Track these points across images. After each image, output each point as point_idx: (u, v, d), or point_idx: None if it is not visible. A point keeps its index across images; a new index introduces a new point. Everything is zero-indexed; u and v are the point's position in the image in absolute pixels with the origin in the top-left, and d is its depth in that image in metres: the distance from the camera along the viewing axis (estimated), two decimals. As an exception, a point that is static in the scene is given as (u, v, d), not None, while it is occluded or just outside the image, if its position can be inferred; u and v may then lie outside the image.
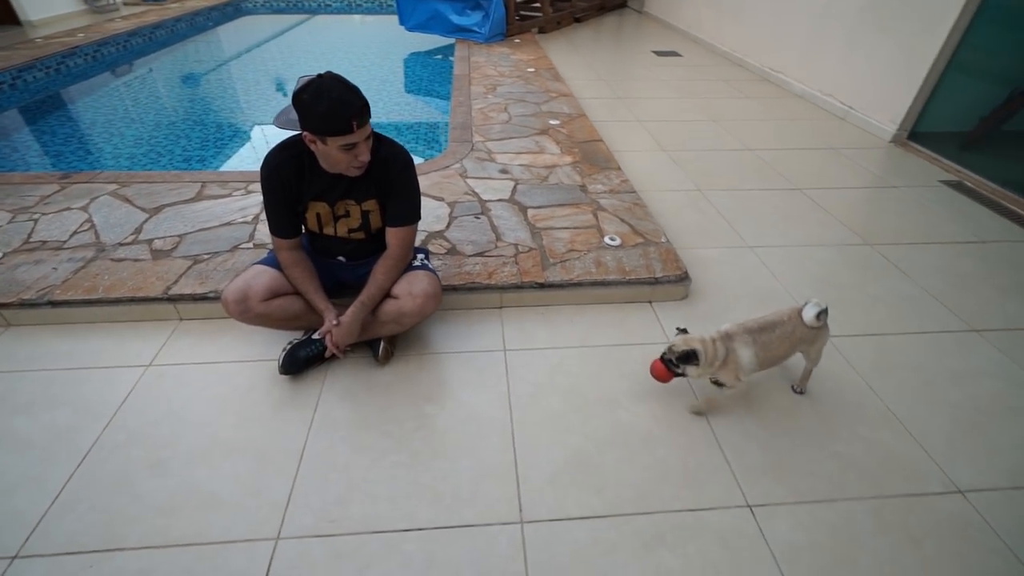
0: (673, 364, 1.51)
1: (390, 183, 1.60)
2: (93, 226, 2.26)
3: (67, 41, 5.52)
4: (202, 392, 1.67)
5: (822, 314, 1.51)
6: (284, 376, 1.71)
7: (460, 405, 1.65)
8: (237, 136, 4.27)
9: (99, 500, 1.36)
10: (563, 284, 2.02)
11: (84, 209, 2.38)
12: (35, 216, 2.32)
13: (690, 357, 1.48)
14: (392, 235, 1.66)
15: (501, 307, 2.05)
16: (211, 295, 1.90)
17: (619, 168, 2.98)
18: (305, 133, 1.41)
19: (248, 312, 1.61)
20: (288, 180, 1.54)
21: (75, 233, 2.21)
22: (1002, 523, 1.36)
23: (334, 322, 1.61)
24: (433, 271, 1.77)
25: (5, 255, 2.07)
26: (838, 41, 4.16)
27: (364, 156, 1.46)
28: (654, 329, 1.98)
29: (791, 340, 1.55)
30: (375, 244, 1.74)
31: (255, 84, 5.55)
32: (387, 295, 1.69)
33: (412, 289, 1.65)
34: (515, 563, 1.25)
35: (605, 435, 1.57)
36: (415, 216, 1.68)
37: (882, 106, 3.79)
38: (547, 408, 1.65)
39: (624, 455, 1.51)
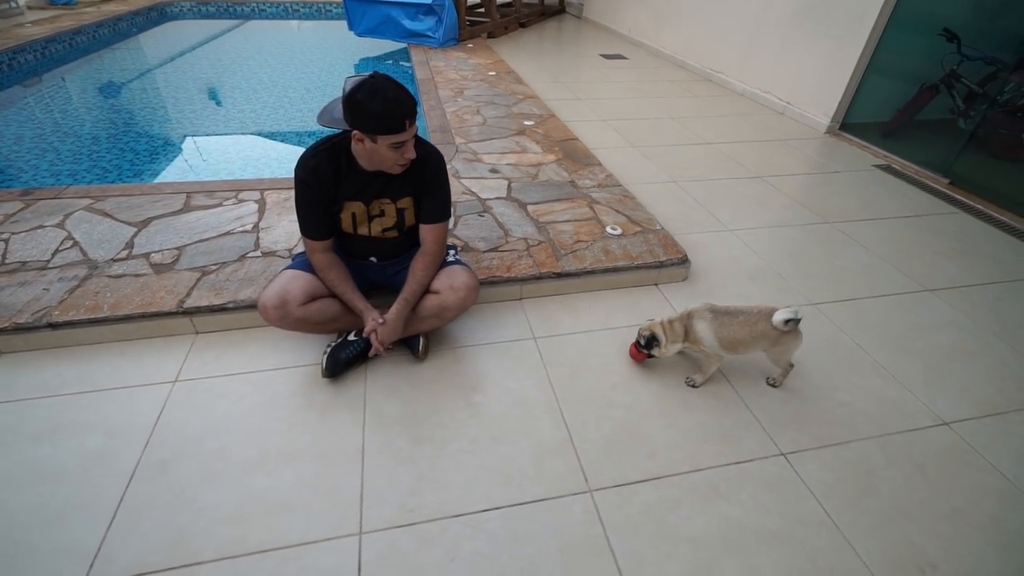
0: (642, 346, 1.73)
1: (426, 181, 1.64)
2: (76, 243, 2.11)
3: (-26, 48, 4.98)
4: (241, 403, 1.63)
5: (791, 322, 1.58)
6: (325, 379, 1.70)
7: (506, 392, 1.72)
8: (188, 147, 4.06)
9: (161, 518, 1.31)
10: (579, 272, 2.14)
11: (60, 226, 2.21)
12: (3, 236, 2.13)
13: (651, 341, 1.70)
14: (428, 232, 1.70)
15: (521, 298, 2.13)
16: (230, 305, 1.85)
17: (600, 164, 3.15)
18: (355, 132, 1.43)
19: (287, 317, 1.60)
20: (325, 180, 1.55)
21: (58, 251, 2.06)
22: (984, 446, 1.62)
23: (380, 321, 1.62)
24: (467, 265, 1.82)
25: (-19, 279, 1.90)
26: (773, 44, 4.59)
27: (410, 154, 1.50)
28: (665, 308, 2.14)
29: (752, 331, 1.62)
30: (407, 243, 1.77)
31: (199, 93, 5.26)
32: (426, 291, 1.72)
33: (453, 283, 1.70)
34: (593, 527, 1.34)
35: (645, 406, 1.69)
36: (448, 213, 1.73)
37: (816, 101, 4.22)
38: (587, 386, 1.75)
39: (667, 422, 1.64)
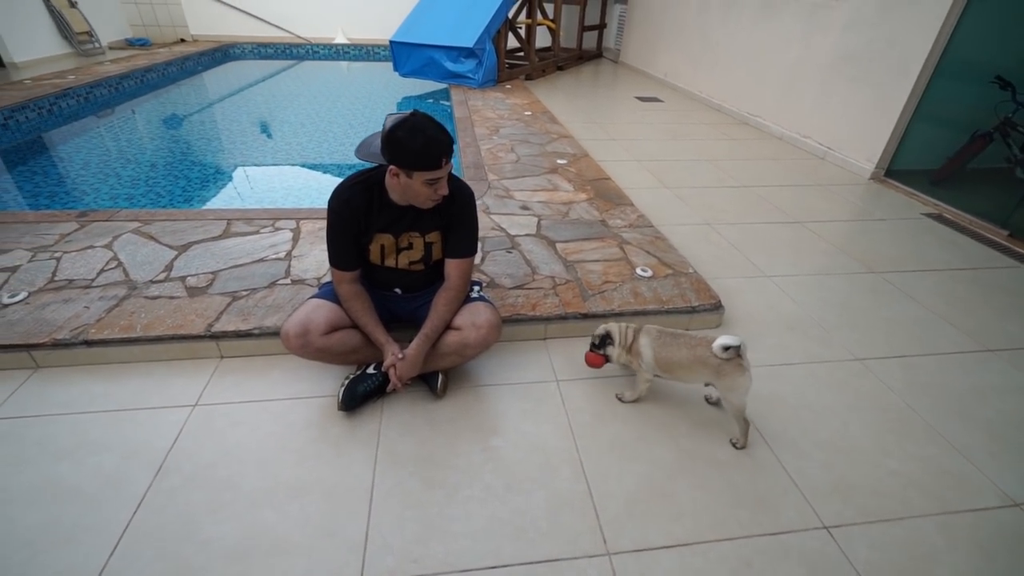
0: (596, 346, 1.74)
1: (453, 215, 1.65)
2: (120, 264, 2.20)
3: (58, 83, 5.45)
4: (256, 431, 1.62)
5: (731, 349, 1.51)
6: (341, 412, 1.67)
7: (524, 436, 1.65)
8: (236, 176, 4.27)
9: (164, 548, 1.28)
10: (606, 314, 2.07)
11: (108, 247, 2.32)
12: (56, 255, 2.25)
13: (605, 338, 1.72)
14: (452, 267, 1.69)
15: (545, 338, 2.08)
16: (255, 332, 1.87)
17: (632, 204, 3.11)
18: (391, 167, 1.46)
19: (308, 346, 1.60)
20: (357, 212, 1.57)
21: (102, 271, 2.15)
22: (1059, 531, 1.43)
23: (399, 356, 1.60)
24: (491, 302, 1.79)
25: (31, 295, 1.99)
26: (812, 89, 4.53)
27: (444, 190, 1.51)
28: (696, 356, 2.03)
29: (691, 354, 1.60)
30: (432, 276, 1.77)
31: (252, 126, 5.58)
32: (448, 327, 1.69)
33: (476, 320, 1.67)
34: (610, 594, 1.24)
35: (671, 461, 1.59)
36: (474, 248, 1.72)
37: (859, 147, 4.11)
38: (610, 436, 1.66)
39: (695, 481, 1.52)
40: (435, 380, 1.77)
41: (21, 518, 1.33)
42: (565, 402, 1.79)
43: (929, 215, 3.43)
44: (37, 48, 6.86)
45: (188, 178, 4.16)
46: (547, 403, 1.78)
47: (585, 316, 2.06)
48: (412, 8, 6.62)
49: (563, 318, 2.05)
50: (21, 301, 1.94)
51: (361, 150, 1.49)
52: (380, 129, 1.48)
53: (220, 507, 1.38)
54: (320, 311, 1.64)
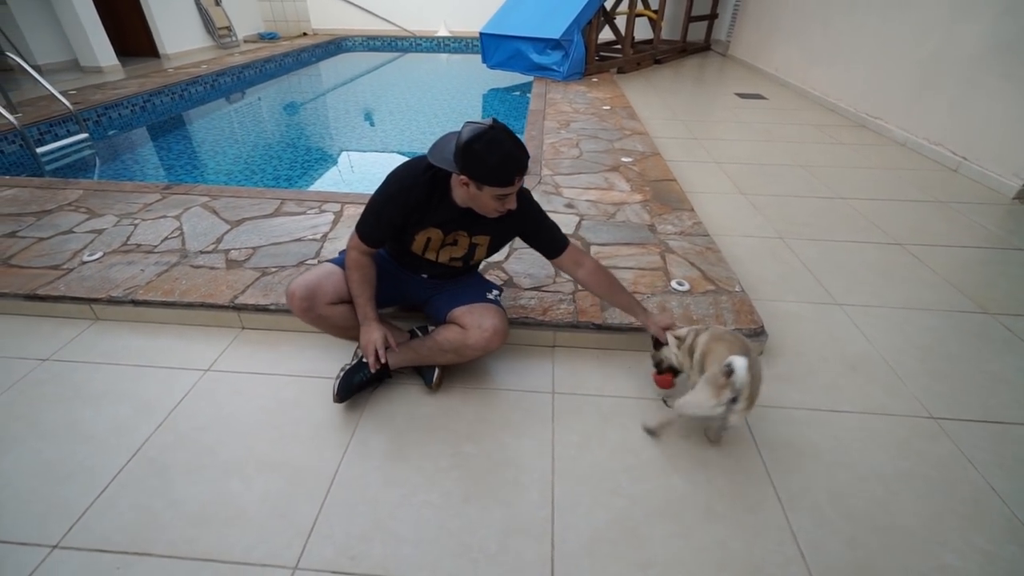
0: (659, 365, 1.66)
1: (517, 222, 1.61)
2: (182, 233, 2.44)
3: (192, 71, 6.24)
4: (250, 403, 1.69)
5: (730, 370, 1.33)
6: (335, 403, 1.67)
7: (500, 447, 1.55)
8: (323, 160, 4.57)
9: (139, 500, 1.38)
10: (622, 327, 1.89)
11: (177, 218, 2.58)
12: (136, 221, 2.55)
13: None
14: (568, 260, 1.66)
15: (554, 346, 1.95)
16: (272, 307, 1.96)
17: (692, 209, 2.83)
18: (462, 176, 1.39)
19: (311, 311, 1.60)
20: (415, 205, 1.52)
21: (166, 239, 2.39)
22: None
23: (383, 341, 1.59)
24: (503, 308, 1.71)
25: (105, 255, 2.27)
26: (950, 87, 3.80)
27: (512, 204, 1.46)
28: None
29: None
30: (464, 271, 1.76)
31: (346, 113, 5.97)
32: (454, 323, 1.65)
33: (482, 323, 1.60)
34: (541, 640, 1.11)
35: (657, 503, 1.40)
36: (565, 238, 1.67)
37: (1004, 158, 3.37)
38: (593, 462, 1.51)
39: (677, 530, 1.33)
40: (431, 374, 1.74)
41: (42, 451, 1.51)
42: (555, 418, 1.66)
43: (1089, 248, 2.72)
44: (185, 41, 7.91)
45: (280, 159, 4.54)
46: (535, 416, 1.66)
47: (599, 327, 1.90)
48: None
49: (575, 327, 1.91)
50: (96, 260, 2.23)
51: (435, 155, 1.45)
52: (455, 131, 1.42)
53: (196, 469, 1.46)
54: (331, 279, 1.63)
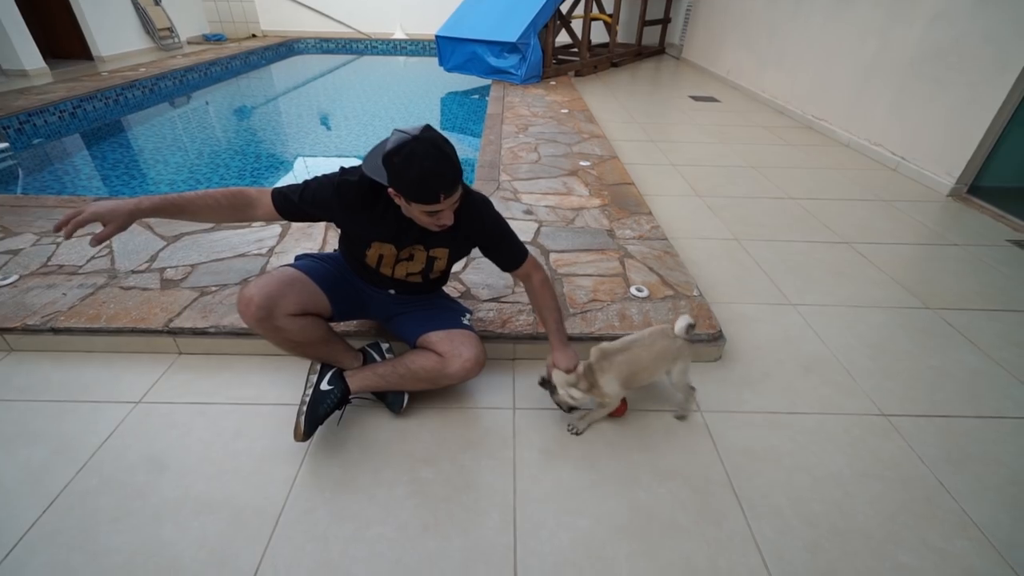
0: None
1: (487, 234, 1.55)
2: (111, 252, 2.25)
3: (128, 75, 5.88)
4: (186, 436, 1.56)
5: (692, 327, 1.53)
6: (279, 426, 1.56)
7: (459, 471, 1.48)
8: (275, 167, 4.38)
9: (56, 555, 1.24)
10: (582, 337, 1.86)
11: (106, 234, 2.38)
12: (58, 240, 2.34)
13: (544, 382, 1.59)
14: (523, 271, 1.61)
15: (514, 359, 1.90)
16: (211, 330, 1.82)
17: (650, 213, 2.83)
18: (390, 189, 1.31)
19: (267, 321, 1.42)
20: (363, 218, 1.45)
21: (92, 258, 2.20)
22: None
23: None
24: (477, 335, 1.63)
25: (21, 277, 2.07)
26: (888, 91, 3.98)
27: (446, 221, 1.36)
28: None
29: (653, 354, 1.54)
30: (429, 286, 1.67)
31: (298, 118, 5.75)
32: (427, 349, 1.57)
33: (462, 351, 1.52)
34: None
35: (620, 520, 1.36)
36: (524, 249, 1.61)
37: (938, 158, 3.54)
38: (556, 481, 1.46)
39: (641, 548, 1.29)
40: (398, 400, 1.63)
41: (-60, 505, 1.35)
42: (516, 435, 1.60)
43: (1017, 242, 2.88)
44: (122, 43, 7.45)
45: (228, 167, 4.31)
46: (496, 434, 1.60)
47: (559, 338, 1.85)
48: (462, 2, 6.56)
49: (534, 338, 1.86)
50: (10, 284, 2.02)
51: (367, 164, 1.34)
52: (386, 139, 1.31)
53: (124, 516, 1.33)
54: (295, 288, 1.47)
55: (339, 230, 1.60)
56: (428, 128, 1.24)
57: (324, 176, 1.48)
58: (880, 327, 2.15)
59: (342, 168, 1.49)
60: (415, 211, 1.32)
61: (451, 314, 1.67)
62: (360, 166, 1.42)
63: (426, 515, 1.36)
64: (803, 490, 1.45)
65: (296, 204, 1.47)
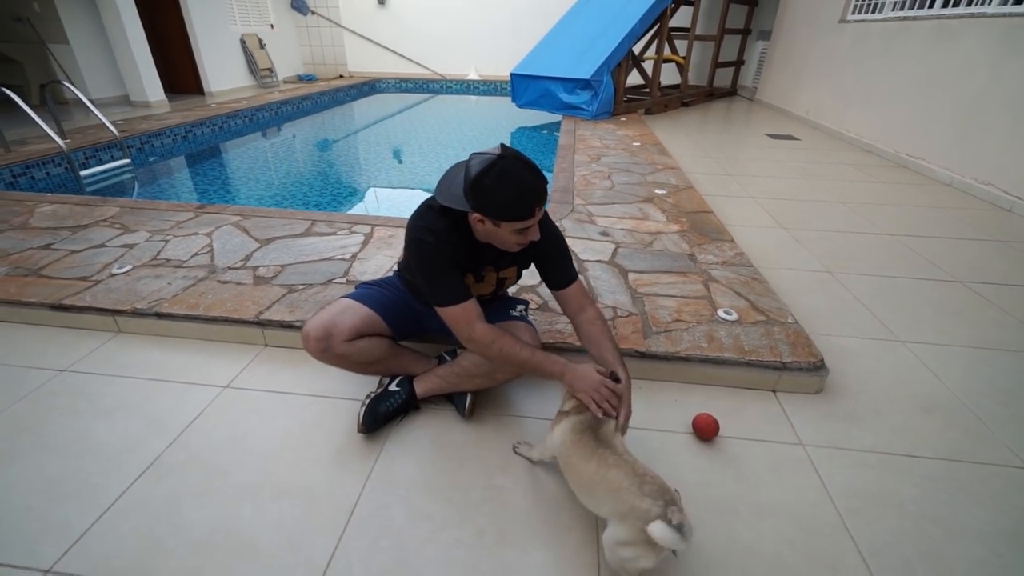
0: None
1: (540, 248, 1.44)
2: (212, 250, 2.41)
3: (233, 106, 6.52)
4: (267, 423, 1.58)
5: (681, 529, 0.98)
6: (360, 434, 1.54)
7: (537, 482, 1.40)
8: (354, 189, 4.63)
9: (143, 523, 1.26)
10: (667, 356, 1.75)
11: (208, 235, 2.57)
12: (167, 238, 2.54)
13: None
14: (571, 296, 1.48)
15: (593, 374, 1.81)
16: (297, 323, 1.88)
17: (732, 240, 2.71)
18: (475, 214, 1.26)
19: (328, 351, 1.46)
20: (453, 244, 1.35)
21: (195, 255, 2.36)
22: None
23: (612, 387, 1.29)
24: (533, 325, 1.59)
25: (133, 268, 2.24)
26: (1001, 125, 3.67)
27: (535, 236, 1.31)
28: (780, 424, 1.61)
29: (597, 474, 1.13)
30: (487, 311, 1.58)
31: (376, 146, 6.11)
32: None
33: None
34: None
35: (719, 552, 1.22)
36: (575, 271, 1.51)
37: (1063, 197, 3.19)
38: (642, 504, 1.34)
39: (744, 586, 1.14)
40: (463, 401, 1.61)
41: (46, 466, 1.42)
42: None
43: None
44: (229, 81, 8.33)
45: (311, 186, 4.62)
46: (575, 449, 1.51)
47: (643, 355, 1.76)
48: (537, 43, 6.84)
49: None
50: (124, 273, 2.20)
51: (442, 193, 1.29)
52: (463, 161, 1.28)
53: (206, 492, 1.34)
54: (347, 314, 1.50)
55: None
56: (504, 146, 1.21)
57: (426, 256, 1.33)
58: (1012, 372, 1.88)
59: (416, 229, 1.36)
60: (504, 232, 1.26)
61: (500, 308, 1.62)
62: (425, 210, 1.38)
63: (504, 524, 1.28)
64: (936, 543, 1.25)
65: (459, 282, 1.36)
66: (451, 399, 1.65)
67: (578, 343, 1.78)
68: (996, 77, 3.75)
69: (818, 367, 1.73)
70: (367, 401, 1.55)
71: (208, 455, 1.46)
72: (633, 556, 1.03)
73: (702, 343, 1.80)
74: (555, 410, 1.60)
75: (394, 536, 1.24)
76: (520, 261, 1.53)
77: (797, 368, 1.71)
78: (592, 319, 1.47)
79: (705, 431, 1.52)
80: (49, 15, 6.49)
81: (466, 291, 1.35)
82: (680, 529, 0.97)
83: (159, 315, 1.94)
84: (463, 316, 1.33)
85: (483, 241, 1.38)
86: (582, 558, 1.20)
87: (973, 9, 4.08)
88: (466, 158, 1.27)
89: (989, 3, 3.94)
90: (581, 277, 1.53)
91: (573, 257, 2.35)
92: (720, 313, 1.98)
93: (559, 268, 1.49)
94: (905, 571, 1.18)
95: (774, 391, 1.75)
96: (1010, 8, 3.75)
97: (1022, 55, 3.56)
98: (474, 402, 1.61)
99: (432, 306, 1.39)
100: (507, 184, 1.19)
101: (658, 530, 0.97)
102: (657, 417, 1.63)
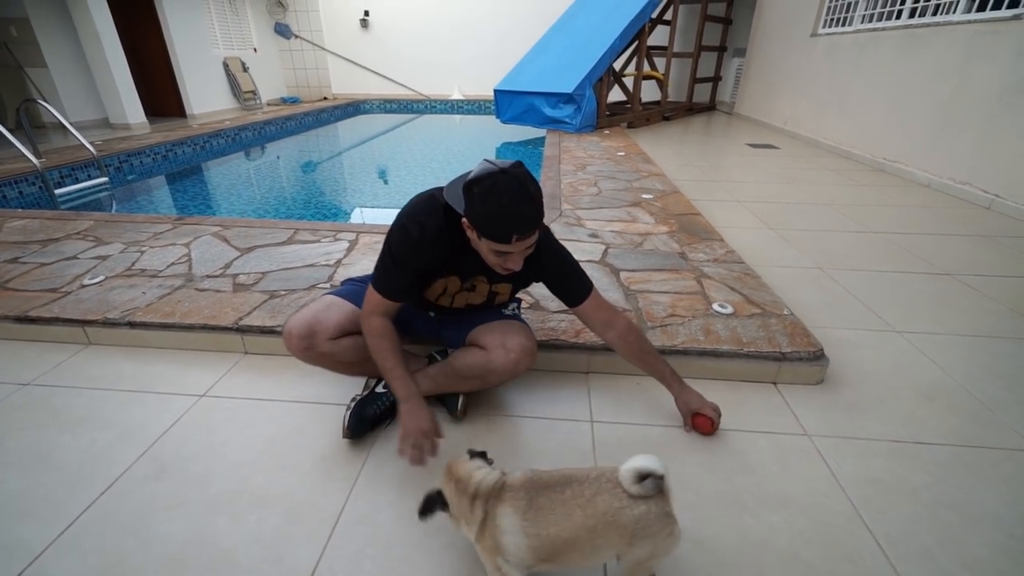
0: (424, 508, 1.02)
1: (543, 268, 1.37)
2: (189, 259, 2.33)
3: (215, 126, 6.47)
4: (246, 430, 1.49)
5: (650, 480, 0.88)
6: (345, 439, 1.45)
7: (535, 482, 1.32)
8: (335, 205, 4.58)
9: (108, 539, 1.15)
10: (664, 351, 1.69)
11: (186, 245, 2.48)
12: (143, 249, 2.45)
13: (432, 502, 1.01)
14: (592, 310, 1.42)
15: (588, 372, 1.75)
16: (278, 328, 1.79)
17: (722, 240, 2.70)
18: (464, 219, 1.20)
19: (312, 350, 1.39)
20: (438, 253, 1.30)
21: (172, 264, 2.28)
22: None
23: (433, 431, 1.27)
24: (527, 324, 1.53)
25: (106, 279, 2.15)
26: (974, 127, 3.77)
27: (513, 266, 1.22)
28: (783, 415, 1.56)
29: (588, 517, 0.89)
30: (476, 313, 1.53)
31: (360, 165, 6.08)
32: (474, 344, 1.47)
33: (506, 342, 1.40)
34: None
35: (729, 547, 1.15)
36: (589, 281, 1.43)
37: (1040, 193, 3.26)
38: (647, 500, 1.27)
39: (760, 581, 1.07)
40: (455, 402, 1.54)
41: (3, 483, 1.31)
42: (596, 448, 1.43)
43: None
44: (212, 103, 8.29)
45: (294, 200, 4.56)
46: (572, 447, 1.44)
47: (639, 350, 1.70)
48: (520, 60, 6.94)
49: (610, 350, 1.70)
50: (96, 283, 2.10)
51: (449, 190, 1.26)
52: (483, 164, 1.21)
53: (178, 504, 1.24)
54: (331, 312, 1.44)
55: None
56: (519, 164, 1.15)
57: (399, 241, 1.29)
58: (1010, 358, 1.86)
59: (407, 215, 1.32)
60: (484, 247, 1.21)
61: (495, 307, 1.54)
62: (429, 195, 1.33)
63: (500, 527, 1.19)
64: (954, 530, 1.19)
65: (402, 282, 1.32)
66: (442, 400, 1.57)
67: (573, 340, 1.73)
68: (965, 80, 3.86)
69: (818, 356, 1.69)
70: (352, 405, 1.48)
71: (182, 465, 1.36)
72: (650, 555, 0.91)
73: (699, 336, 1.76)
74: (547, 409, 1.54)
75: (382, 544, 1.15)
76: (516, 281, 1.46)
77: (797, 358, 1.67)
78: (623, 335, 1.42)
79: (703, 424, 1.46)
80: (26, 39, 6.43)
81: (398, 294, 1.32)
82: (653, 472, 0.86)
83: (132, 324, 1.84)
84: (377, 303, 1.33)
85: (475, 248, 1.30)
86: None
87: (939, 18, 4.23)
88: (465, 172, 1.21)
89: (954, 11, 4.09)
90: (598, 288, 1.44)
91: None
92: (715, 307, 1.94)
93: (568, 285, 1.42)
94: (925, 559, 1.12)
95: (775, 383, 1.70)
96: (973, 15, 3.89)
97: (987, 59, 3.68)
98: (467, 403, 1.54)
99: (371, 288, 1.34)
100: (492, 200, 1.11)
101: (640, 462, 0.87)
102: (655, 412, 1.57)
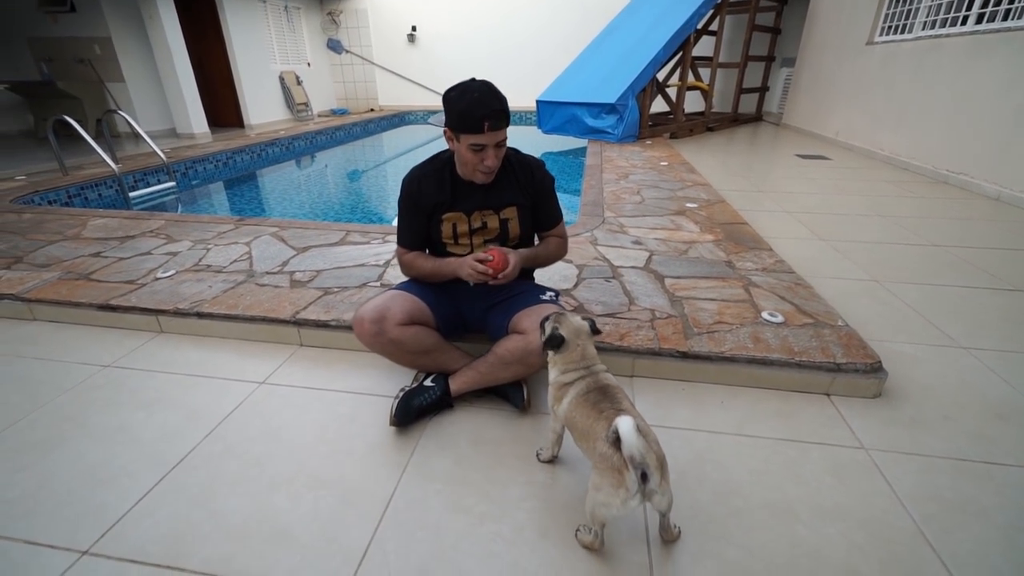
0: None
1: (536, 188, 1.60)
2: (250, 257, 2.47)
3: (270, 135, 6.83)
4: (302, 416, 1.56)
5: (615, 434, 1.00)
6: (392, 428, 1.51)
7: (581, 479, 1.33)
8: (379, 208, 4.74)
9: (179, 509, 1.24)
10: (711, 356, 1.68)
11: (247, 244, 2.63)
12: (209, 246, 2.61)
13: (559, 340, 1.27)
14: (552, 236, 1.70)
15: (632, 375, 1.75)
16: (332, 323, 1.88)
17: (771, 249, 2.64)
18: (446, 129, 1.43)
19: (382, 335, 1.47)
20: (427, 190, 1.54)
21: (235, 261, 2.42)
22: None
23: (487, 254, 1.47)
24: (563, 308, 1.55)
25: (177, 272, 2.30)
26: (1046, 136, 3.55)
27: (489, 161, 1.43)
28: (837, 427, 1.51)
29: (590, 426, 1.14)
30: (516, 298, 1.59)
31: (404, 172, 6.25)
32: (514, 332, 1.50)
33: None
34: None
35: (780, 556, 1.12)
36: (561, 214, 1.70)
37: (1125, 207, 3.02)
38: (693, 504, 1.26)
39: (813, 593, 1.04)
40: (519, 392, 1.57)
41: (87, 453, 1.42)
42: (641, 451, 1.42)
43: None
44: (267, 114, 8.74)
45: (342, 205, 4.75)
46: (618, 447, 1.44)
47: (684, 355, 1.69)
48: (563, 71, 7.01)
49: (656, 354, 1.71)
50: (168, 277, 2.26)
51: (436, 116, 1.53)
52: None
53: (241, 481, 1.32)
54: (398, 300, 1.53)
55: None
56: (484, 79, 1.41)
57: (401, 201, 1.61)
58: (1091, 379, 1.74)
59: (404, 177, 1.62)
60: (463, 149, 1.40)
61: (530, 295, 1.59)
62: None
63: (545, 521, 1.21)
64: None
65: (414, 232, 1.61)
66: (505, 396, 1.60)
67: (618, 343, 1.74)
68: (1039, 88, 3.65)
69: (876, 368, 1.63)
70: (400, 395, 1.54)
71: (244, 446, 1.44)
72: (604, 501, 1.02)
73: (747, 343, 1.73)
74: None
75: (431, 528, 1.19)
76: (518, 200, 1.58)
77: (852, 370, 1.62)
78: (550, 240, 1.69)
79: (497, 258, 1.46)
80: (108, 56, 6.99)
81: (416, 238, 1.61)
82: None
83: (199, 315, 1.97)
84: (400, 252, 1.65)
85: (466, 179, 1.51)
86: (633, 556, 1.12)
87: (1010, 23, 4.02)
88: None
89: (1026, 16, 3.88)
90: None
91: (607, 264, 2.33)
92: (764, 315, 1.90)
93: (548, 212, 1.65)
94: (995, 581, 1.06)
95: (828, 394, 1.65)
96: (1049, 20, 3.68)
97: (1067, 65, 3.46)
98: (529, 393, 1.57)
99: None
100: (465, 95, 1.35)
101: (624, 424, 0.96)
102: (701, 418, 1.55)
